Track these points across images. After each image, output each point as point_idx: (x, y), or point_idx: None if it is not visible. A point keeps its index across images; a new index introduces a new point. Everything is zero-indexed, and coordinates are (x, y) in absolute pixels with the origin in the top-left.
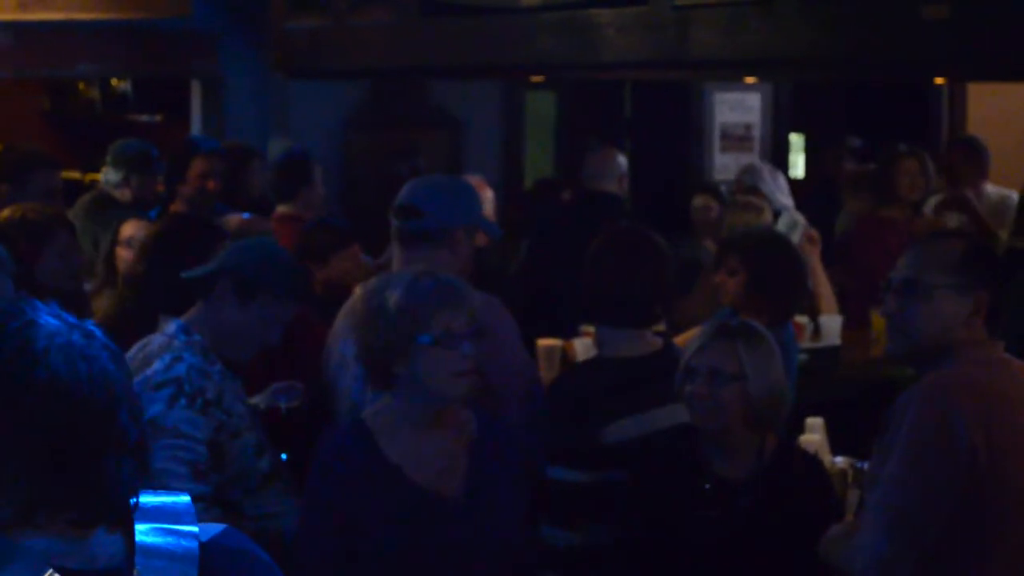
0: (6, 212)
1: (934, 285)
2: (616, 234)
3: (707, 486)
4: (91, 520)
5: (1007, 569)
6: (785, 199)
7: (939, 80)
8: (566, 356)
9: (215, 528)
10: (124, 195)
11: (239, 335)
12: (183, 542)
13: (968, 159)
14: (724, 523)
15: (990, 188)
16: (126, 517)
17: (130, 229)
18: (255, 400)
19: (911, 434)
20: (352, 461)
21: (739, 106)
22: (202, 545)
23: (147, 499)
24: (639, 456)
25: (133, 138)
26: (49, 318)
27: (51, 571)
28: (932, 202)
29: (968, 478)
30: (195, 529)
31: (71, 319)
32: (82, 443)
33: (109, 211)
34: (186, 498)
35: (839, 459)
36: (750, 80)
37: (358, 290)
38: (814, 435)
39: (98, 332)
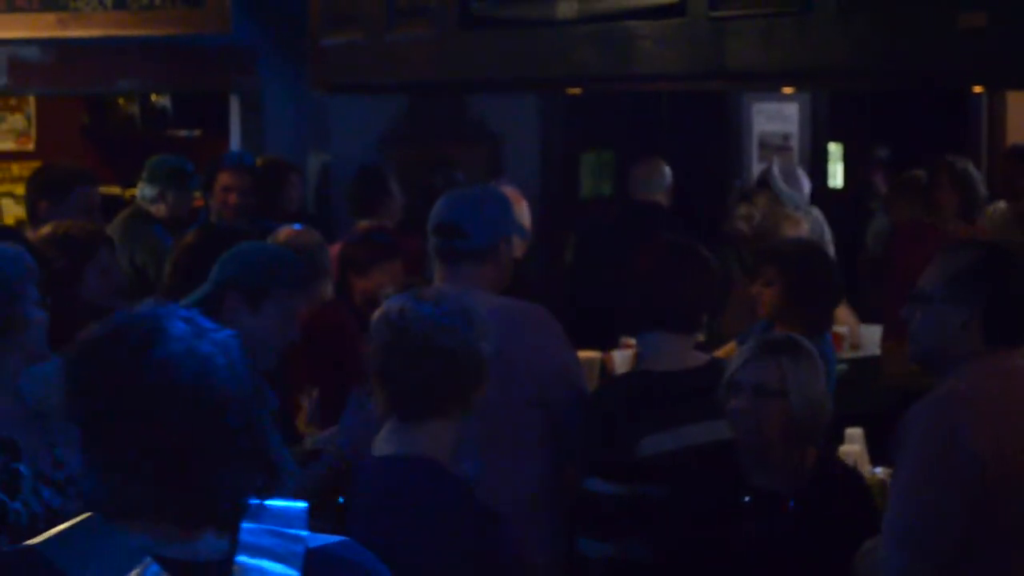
0: (47, 229)
1: (933, 295)
2: (662, 243)
3: (747, 499)
4: (196, 523)
5: None
6: (800, 196)
7: (978, 89)
8: (605, 368)
9: (333, 538)
10: (160, 210)
11: (259, 342)
12: (289, 545)
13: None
14: (764, 536)
15: None
16: (233, 520)
17: None
18: (308, 441)
19: (918, 448)
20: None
21: (777, 116)
22: (309, 551)
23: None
24: (678, 468)
25: (169, 153)
26: (179, 323)
27: (149, 560)
28: (991, 211)
29: (977, 489)
30: (304, 534)
31: (205, 324)
32: (187, 445)
33: (145, 227)
34: (302, 504)
35: (878, 469)
36: (788, 90)
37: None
38: (854, 445)
39: (226, 338)
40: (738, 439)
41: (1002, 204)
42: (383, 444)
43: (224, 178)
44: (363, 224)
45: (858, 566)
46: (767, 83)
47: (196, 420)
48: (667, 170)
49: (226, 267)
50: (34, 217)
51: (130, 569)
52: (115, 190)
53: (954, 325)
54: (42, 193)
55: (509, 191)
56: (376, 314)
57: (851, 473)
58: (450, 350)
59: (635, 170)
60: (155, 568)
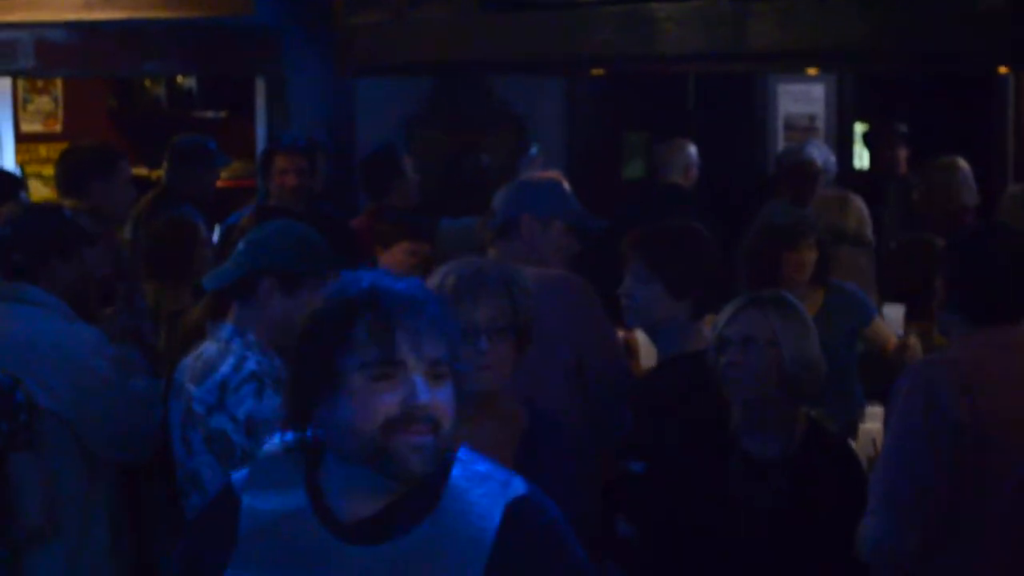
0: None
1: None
2: (659, 228)
3: (735, 465)
4: None
5: (1004, 543)
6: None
7: (1003, 69)
8: (628, 347)
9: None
10: (184, 190)
11: (294, 323)
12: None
13: None
14: (751, 503)
15: None
16: None
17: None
18: None
19: (898, 415)
20: None
21: (803, 97)
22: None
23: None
24: (665, 440)
25: (195, 134)
26: None
27: None
28: (1005, 194)
29: (956, 454)
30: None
31: None
32: None
33: (172, 207)
34: None
35: None
36: (812, 71)
37: None
38: (874, 423)
39: None
40: (730, 399)
41: (1016, 187)
42: None
43: (280, 161)
44: (372, 206)
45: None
46: (787, 64)
47: None
48: (690, 151)
49: (260, 252)
50: (85, 195)
51: None
52: (142, 171)
53: (939, 301)
54: (92, 171)
55: (551, 173)
56: None
57: (841, 440)
58: None
59: (656, 152)
60: None
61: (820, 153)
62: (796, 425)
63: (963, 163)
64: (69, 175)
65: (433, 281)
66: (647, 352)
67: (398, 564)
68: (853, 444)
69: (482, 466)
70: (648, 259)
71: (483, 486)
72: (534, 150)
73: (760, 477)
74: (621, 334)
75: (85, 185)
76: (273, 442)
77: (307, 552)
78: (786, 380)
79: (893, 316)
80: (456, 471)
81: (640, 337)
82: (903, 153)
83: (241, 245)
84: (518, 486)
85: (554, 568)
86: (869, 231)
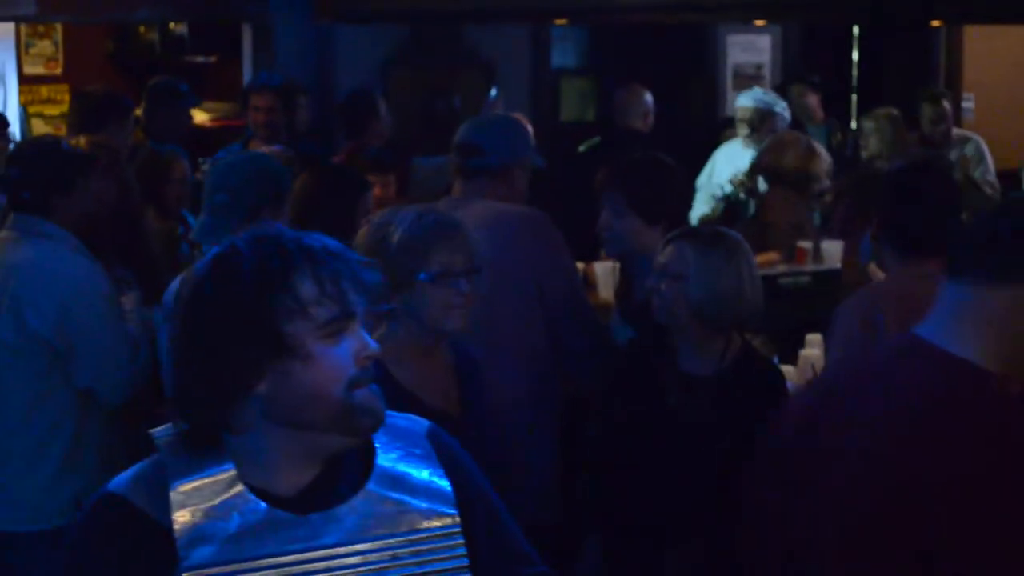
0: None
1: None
2: (631, 161)
3: (668, 380)
4: None
5: None
6: None
7: (936, 23)
8: (586, 279)
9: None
10: (157, 129)
11: None
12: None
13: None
14: (683, 416)
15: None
16: None
17: None
18: None
19: (836, 340)
20: None
21: (750, 47)
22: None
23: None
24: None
25: (186, 78)
26: None
27: None
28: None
29: None
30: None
31: None
32: None
33: (148, 147)
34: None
35: None
36: (760, 23)
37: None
38: (813, 349)
39: None
40: (656, 321)
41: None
42: None
43: (253, 99)
44: (351, 145)
45: None
46: (739, 15)
47: None
48: (647, 97)
49: (223, 185)
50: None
51: None
52: (136, 113)
53: (877, 234)
54: (110, 113)
55: (518, 115)
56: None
57: (769, 363)
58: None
59: (616, 97)
60: None
61: (748, 99)
62: (728, 348)
63: (896, 112)
64: (85, 114)
65: (399, 227)
66: (605, 283)
67: (371, 519)
68: (793, 370)
69: None
70: (623, 191)
71: (397, 421)
72: (494, 92)
73: (690, 392)
74: (580, 266)
75: (102, 126)
76: (165, 431)
77: (265, 534)
78: (693, 311)
79: (832, 250)
80: None
81: (598, 269)
82: (813, 100)
83: (223, 196)
84: (415, 418)
85: (481, 481)
86: None
